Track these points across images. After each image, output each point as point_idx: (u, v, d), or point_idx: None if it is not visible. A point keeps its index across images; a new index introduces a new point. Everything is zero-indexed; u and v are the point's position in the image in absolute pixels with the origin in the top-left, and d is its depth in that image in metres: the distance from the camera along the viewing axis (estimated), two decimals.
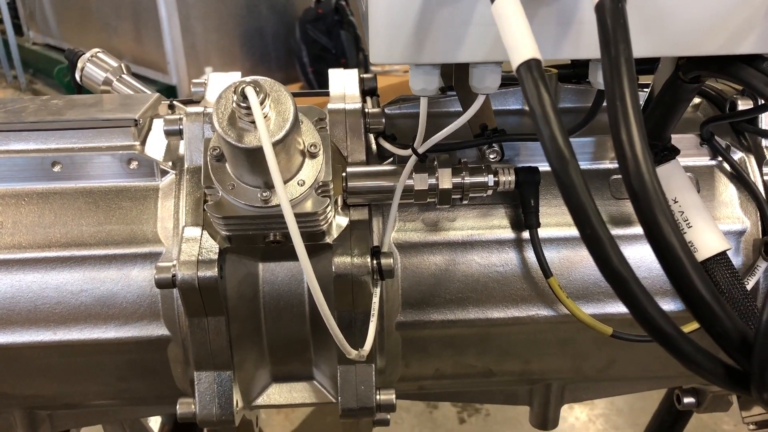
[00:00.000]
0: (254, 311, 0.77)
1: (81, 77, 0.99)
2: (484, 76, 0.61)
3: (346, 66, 4.55)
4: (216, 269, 0.70)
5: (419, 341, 0.79)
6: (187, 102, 0.95)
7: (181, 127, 0.76)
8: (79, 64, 0.99)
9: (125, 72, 1.00)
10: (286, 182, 0.65)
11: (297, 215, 0.66)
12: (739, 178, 0.77)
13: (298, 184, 0.66)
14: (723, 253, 0.71)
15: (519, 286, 0.76)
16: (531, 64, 0.43)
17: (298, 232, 0.56)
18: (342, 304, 0.73)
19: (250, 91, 0.57)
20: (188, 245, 0.71)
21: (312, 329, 0.78)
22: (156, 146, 0.80)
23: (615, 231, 0.76)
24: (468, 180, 0.72)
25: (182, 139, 0.77)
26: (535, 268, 0.76)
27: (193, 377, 0.77)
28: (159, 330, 0.75)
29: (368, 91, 0.90)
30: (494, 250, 0.76)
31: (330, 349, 0.78)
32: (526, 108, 0.86)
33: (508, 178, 0.73)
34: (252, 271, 0.76)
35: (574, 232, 0.75)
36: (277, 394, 0.84)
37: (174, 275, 0.70)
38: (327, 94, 0.92)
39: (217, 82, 0.87)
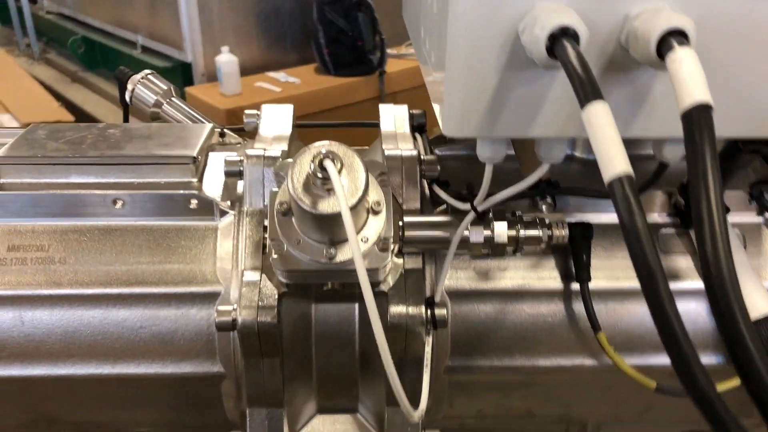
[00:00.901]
0: (306, 350, 0.79)
1: (131, 98, 1.00)
2: (552, 148, 0.62)
3: (362, 49, 4.54)
4: (275, 315, 0.72)
5: (465, 384, 0.81)
6: (237, 130, 0.96)
7: (241, 169, 0.77)
8: (129, 85, 1.00)
9: (174, 95, 1.01)
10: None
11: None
12: None
13: (362, 240, 0.67)
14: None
15: (566, 336, 0.78)
16: (623, 180, 0.44)
17: (374, 300, 0.58)
18: (394, 351, 0.74)
19: (329, 165, 0.58)
20: (248, 289, 0.73)
21: (361, 368, 0.80)
22: (213, 183, 0.82)
23: None
24: (523, 234, 0.74)
25: (242, 179, 0.78)
26: (582, 319, 0.77)
27: (244, 411, 0.79)
28: (214, 367, 0.77)
29: (417, 127, 0.91)
30: (543, 301, 0.78)
31: (377, 388, 0.80)
32: (575, 154, 0.87)
33: (561, 233, 0.74)
34: (306, 311, 0.78)
35: (621, 284, 0.77)
36: (321, 425, 0.86)
37: (234, 319, 0.72)
38: (375, 125, 0.94)
39: (271, 115, 0.89)
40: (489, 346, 0.78)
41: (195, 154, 0.81)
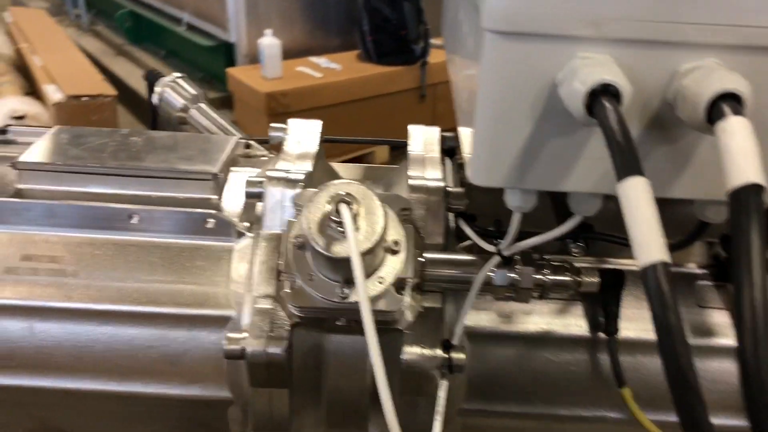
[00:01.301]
0: (316, 381, 0.76)
1: (159, 100, 0.98)
2: (585, 202, 0.58)
3: (405, 38, 4.48)
4: (285, 347, 0.69)
5: (480, 428, 0.78)
6: (262, 142, 0.93)
7: (262, 191, 0.75)
8: (158, 88, 0.98)
9: (203, 101, 0.98)
10: (366, 279, 0.64)
11: (374, 312, 0.65)
12: None
13: (378, 281, 0.64)
14: None
15: (589, 386, 0.74)
16: (658, 268, 0.40)
17: (377, 346, 0.55)
18: (407, 390, 0.72)
19: (344, 210, 0.55)
20: (259, 318, 0.71)
21: (372, 400, 0.77)
22: (233, 201, 0.80)
23: (698, 341, 0.74)
24: (550, 279, 0.70)
25: (261, 201, 0.76)
26: (607, 370, 0.73)
27: None
28: (221, 392, 0.75)
29: (447, 150, 0.88)
30: (568, 348, 0.74)
31: (384, 426, 0.78)
32: None
33: (592, 280, 0.70)
34: (318, 342, 0.75)
35: (649, 337, 0.73)
36: None
37: (243, 348, 0.69)
38: (404, 144, 0.90)
39: (298, 130, 0.86)
40: (508, 390, 0.75)
41: (216, 171, 0.79)
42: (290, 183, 0.75)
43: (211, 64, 4.58)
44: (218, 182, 0.79)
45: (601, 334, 0.73)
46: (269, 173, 0.75)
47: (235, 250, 0.76)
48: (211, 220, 0.76)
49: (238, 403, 0.76)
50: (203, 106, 0.97)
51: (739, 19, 0.49)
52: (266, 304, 0.72)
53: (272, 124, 0.88)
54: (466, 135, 0.61)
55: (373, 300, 0.65)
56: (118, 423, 0.80)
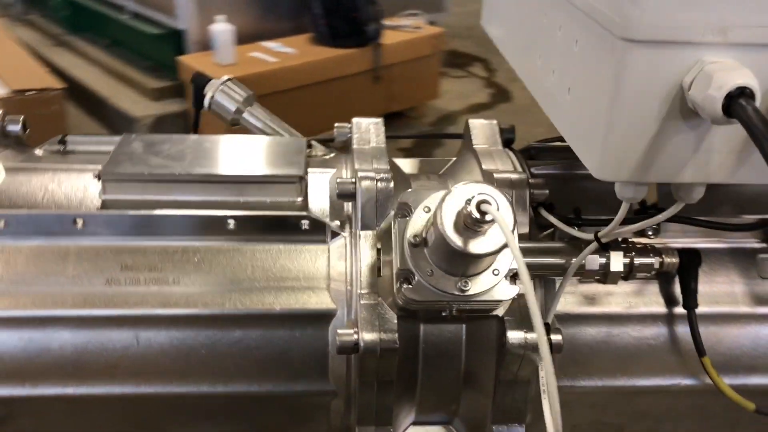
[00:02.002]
0: (413, 368, 0.80)
1: (210, 104, 0.99)
2: (694, 190, 0.64)
3: (358, 20, 4.48)
4: (396, 338, 0.73)
5: (566, 402, 0.83)
6: (325, 142, 0.96)
7: (354, 191, 0.78)
8: (209, 92, 0.99)
9: (254, 101, 1.00)
10: (483, 271, 0.68)
11: (488, 302, 0.70)
12: None
13: (494, 273, 0.69)
14: None
15: (667, 358, 0.81)
16: None
17: (545, 335, 0.59)
18: (506, 373, 0.77)
19: (491, 208, 0.59)
20: (368, 313, 0.74)
21: (464, 385, 0.82)
22: (318, 201, 0.82)
23: (759, 309, 0.81)
24: (636, 261, 0.76)
25: (352, 200, 0.78)
26: (682, 341, 0.80)
27: (351, 427, 0.81)
28: (326, 386, 0.78)
29: (506, 142, 0.92)
30: (648, 324, 0.80)
31: (478, 405, 0.82)
32: None
33: (672, 260, 0.76)
34: (415, 333, 0.79)
35: (721, 309, 0.79)
36: None
37: (356, 342, 0.73)
38: (459, 136, 0.94)
39: (362, 128, 0.89)
40: (593, 367, 0.80)
41: (302, 173, 0.81)
42: (382, 183, 0.78)
43: (158, 52, 4.47)
44: (303, 184, 0.81)
45: (676, 309, 0.80)
46: (361, 174, 0.78)
47: (330, 250, 0.79)
48: (305, 222, 0.78)
49: (342, 396, 0.79)
50: (256, 107, 0.98)
51: None
52: (372, 300, 0.75)
53: (337, 124, 0.91)
54: (578, 133, 0.65)
55: (489, 290, 0.69)
56: (220, 423, 0.82)
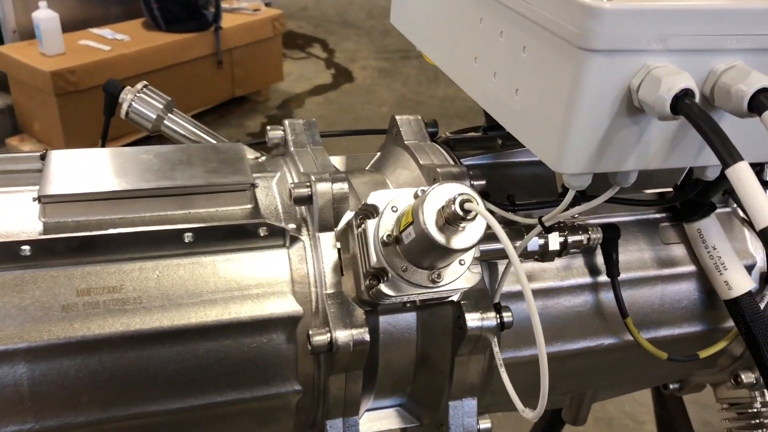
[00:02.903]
0: (374, 359, 0.84)
1: (127, 112, 0.96)
2: (630, 175, 0.73)
3: (195, 3, 4.34)
4: (367, 332, 0.77)
5: (510, 371, 0.91)
6: (255, 144, 0.96)
7: (309, 194, 0.80)
8: (126, 100, 0.95)
9: (174, 107, 0.98)
10: (451, 263, 0.73)
11: (456, 290, 0.75)
12: (749, 222, 0.97)
13: (460, 263, 0.74)
14: (750, 291, 0.90)
15: (592, 322, 0.91)
16: None
17: (537, 312, 0.66)
18: (463, 352, 0.83)
19: (475, 206, 0.64)
20: (337, 310, 0.77)
21: (418, 368, 0.87)
22: (267, 206, 0.83)
23: (666, 271, 0.93)
24: (570, 239, 0.84)
25: (310, 207, 0.81)
26: (605, 306, 0.90)
27: (317, 422, 0.84)
28: (295, 386, 0.81)
29: (431, 136, 0.98)
30: (577, 294, 0.90)
31: (432, 384, 0.88)
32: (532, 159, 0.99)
33: (597, 236, 0.86)
34: (375, 324, 0.83)
35: (635, 274, 0.91)
36: (368, 423, 0.92)
37: (330, 341, 0.76)
38: (384, 132, 0.98)
39: (296, 130, 0.91)
40: (532, 338, 0.88)
41: (252, 180, 0.82)
42: (337, 184, 0.80)
43: None
44: (253, 191, 0.82)
45: (600, 278, 0.90)
46: (314, 177, 0.80)
47: (291, 253, 0.80)
48: (263, 228, 0.79)
49: (309, 394, 0.82)
50: (176, 113, 0.96)
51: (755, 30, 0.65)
52: (338, 299, 0.78)
53: (269, 126, 0.92)
54: (531, 131, 0.72)
55: (456, 279, 0.74)
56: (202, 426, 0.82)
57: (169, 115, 0.96)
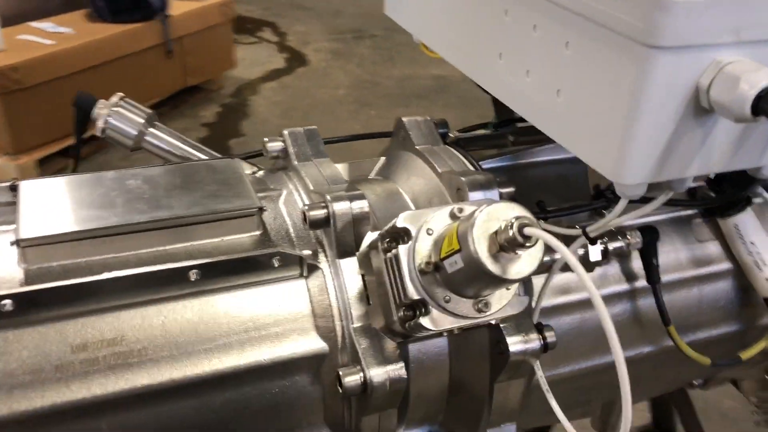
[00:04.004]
0: (406, 390, 0.77)
1: (104, 130, 0.85)
2: (686, 181, 0.66)
3: None
4: (404, 368, 0.69)
5: (550, 388, 0.84)
6: (250, 156, 0.87)
7: (326, 217, 0.71)
8: (102, 115, 0.84)
9: (156, 120, 0.87)
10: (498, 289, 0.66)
11: (504, 318, 0.68)
12: None
13: (506, 288, 0.66)
14: None
15: (631, 331, 0.85)
16: None
17: (617, 339, 0.59)
18: (506, 376, 0.76)
19: (537, 231, 0.56)
20: (369, 347, 0.69)
21: (449, 398, 0.80)
22: (276, 231, 0.74)
23: (700, 270, 0.87)
24: (610, 247, 0.78)
25: (327, 230, 0.72)
26: (644, 313, 0.84)
27: None
28: (322, 429, 0.73)
29: (442, 137, 0.89)
30: (614, 303, 0.83)
31: (465, 411, 0.81)
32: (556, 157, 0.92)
33: (636, 240, 0.79)
34: (404, 355, 0.75)
35: (673, 276, 0.85)
36: None
37: (365, 381, 0.68)
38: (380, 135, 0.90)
39: (298, 140, 0.82)
40: (572, 353, 0.82)
41: (259, 204, 0.72)
42: (356, 203, 0.72)
43: None
44: (261, 215, 0.73)
45: (638, 284, 0.83)
46: (329, 196, 0.71)
47: (309, 284, 0.72)
48: (276, 258, 0.70)
49: None
50: (159, 127, 0.86)
51: None
52: (368, 332, 0.70)
53: (266, 138, 0.83)
54: (580, 136, 0.64)
55: (504, 308, 0.67)
56: None
57: (150, 129, 0.85)
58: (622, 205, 0.68)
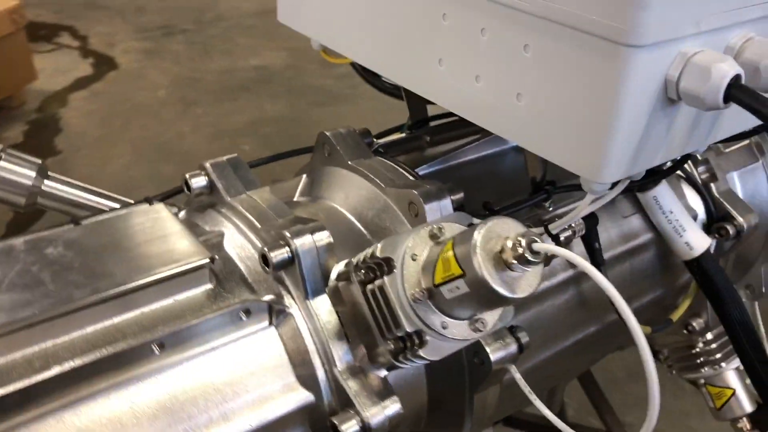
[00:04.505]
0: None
1: None
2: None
3: None
4: (399, 402, 0.65)
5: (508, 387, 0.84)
6: (168, 196, 0.78)
7: (292, 255, 0.65)
8: None
9: (46, 170, 0.76)
10: None
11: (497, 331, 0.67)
12: (686, 179, 0.97)
13: None
14: (708, 248, 0.91)
15: (580, 313, 0.87)
16: None
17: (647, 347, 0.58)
18: (484, 387, 0.75)
19: (548, 246, 0.54)
20: (357, 386, 0.65)
21: (429, 412, 0.78)
22: (231, 279, 0.67)
23: (629, 245, 0.91)
24: (562, 237, 0.78)
25: (291, 269, 0.66)
26: (588, 294, 0.86)
27: None
28: None
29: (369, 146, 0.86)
30: (564, 290, 0.85)
31: (445, 423, 0.79)
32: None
33: (581, 228, 0.81)
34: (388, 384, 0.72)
35: (607, 255, 0.88)
36: None
37: (363, 425, 0.63)
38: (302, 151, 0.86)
39: (224, 172, 0.75)
40: (533, 345, 0.82)
41: (210, 254, 0.65)
42: (318, 236, 0.66)
43: None
44: (215, 265, 0.66)
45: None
46: (288, 233, 0.65)
47: (280, 331, 0.66)
48: (243, 311, 0.64)
49: None
50: (52, 177, 0.73)
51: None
52: (354, 373, 0.65)
53: (187, 174, 0.75)
54: (551, 140, 0.63)
55: (497, 322, 0.65)
56: None
57: (45, 182, 0.74)
58: (587, 200, 0.69)
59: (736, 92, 0.56)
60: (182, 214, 0.76)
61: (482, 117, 0.68)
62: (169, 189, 0.79)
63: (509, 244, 0.55)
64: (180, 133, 3.73)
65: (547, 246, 0.55)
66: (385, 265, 0.62)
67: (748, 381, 1.08)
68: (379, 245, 0.62)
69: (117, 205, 0.77)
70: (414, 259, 0.61)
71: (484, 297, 0.57)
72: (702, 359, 1.10)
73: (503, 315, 0.65)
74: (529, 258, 0.55)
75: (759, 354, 0.90)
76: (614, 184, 0.69)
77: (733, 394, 1.09)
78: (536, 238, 0.55)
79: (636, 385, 2.44)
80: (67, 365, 0.55)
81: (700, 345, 1.09)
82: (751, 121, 0.71)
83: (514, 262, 0.55)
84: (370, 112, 4.13)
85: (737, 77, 0.56)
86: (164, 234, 0.67)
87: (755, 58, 0.60)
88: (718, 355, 1.08)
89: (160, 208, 0.70)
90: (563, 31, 0.58)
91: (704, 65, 0.56)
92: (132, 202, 0.76)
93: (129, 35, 4.92)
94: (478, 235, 0.56)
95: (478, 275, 0.56)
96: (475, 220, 0.70)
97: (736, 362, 1.09)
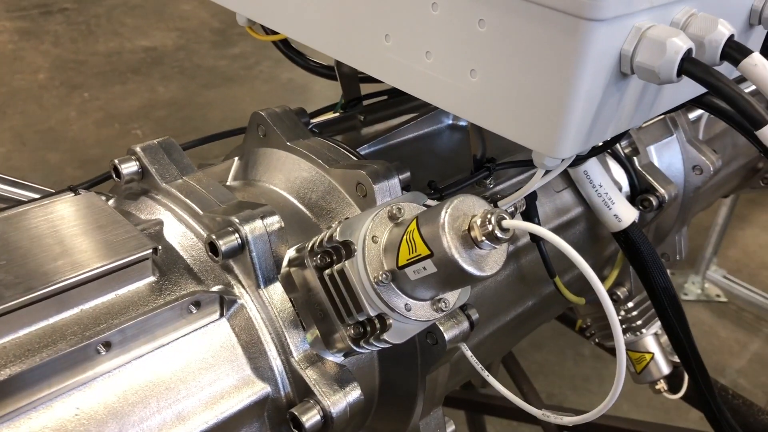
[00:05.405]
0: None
1: None
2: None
3: None
4: (359, 388, 0.64)
5: (457, 362, 0.84)
6: (95, 183, 0.72)
7: (242, 242, 0.61)
8: None
9: None
10: None
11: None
12: (611, 153, 1.00)
13: None
14: (635, 220, 0.94)
15: (519, 287, 0.87)
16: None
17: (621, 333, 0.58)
18: (436, 366, 0.74)
19: (518, 222, 0.54)
20: (318, 377, 0.62)
21: (380, 397, 0.76)
22: (175, 270, 0.63)
23: (562, 219, 0.92)
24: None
25: (240, 256, 0.62)
26: (527, 268, 0.87)
27: None
28: None
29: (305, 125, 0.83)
30: (505, 266, 0.84)
31: (396, 412, 0.78)
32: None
33: (522, 204, 0.81)
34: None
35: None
36: None
37: (325, 415, 0.61)
38: (234, 132, 0.83)
39: (156, 156, 0.70)
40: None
41: (154, 244, 0.60)
42: (269, 220, 0.63)
43: None
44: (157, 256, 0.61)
45: (520, 243, 0.86)
46: (236, 219, 0.62)
47: (232, 322, 0.62)
48: (192, 304, 0.60)
49: None
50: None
51: None
52: (312, 361, 0.63)
53: (116, 159, 0.69)
54: (506, 116, 0.62)
55: (458, 300, 0.64)
56: None
57: None
58: (538, 176, 0.69)
59: (689, 66, 0.57)
60: (111, 202, 0.71)
61: (433, 94, 0.67)
62: (94, 176, 0.73)
63: (478, 221, 0.54)
64: (65, 119, 3.52)
65: (516, 222, 0.54)
66: (344, 249, 0.60)
67: (663, 339, 1.14)
68: (337, 228, 0.60)
69: (35, 195, 0.71)
70: (375, 242, 0.59)
71: (451, 276, 0.56)
72: (624, 326, 1.14)
73: (462, 293, 0.64)
74: (498, 235, 0.54)
75: (679, 316, 0.94)
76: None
77: (652, 358, 1.14)
78: (505, 215, 0.54)
79: (539, 354, 2.54)
80: (1, 375, 0.50)
81: (622, 313, 1.13)
82: (686, 95, 0.73)
83: (483, 239, 0.54)
84: (267, 95, 4.05)
85: (689, 51, 0.57)
86: (99, 224, 0.61)
87: (700, 33, 0.61)
88: (639, 322, 1.12)
89: (90, 196, 0.65)
90: (520, 4, 0.57)
91: (659, 39, 0.57)
92: (52, 191, 0.70)
93: (0, 14, 4.58)
94: (445, 214, 0.55)
95: (447, 254, 0.54)
96: (429, 201, 0.69)
97: (655, 328, 1.13)
